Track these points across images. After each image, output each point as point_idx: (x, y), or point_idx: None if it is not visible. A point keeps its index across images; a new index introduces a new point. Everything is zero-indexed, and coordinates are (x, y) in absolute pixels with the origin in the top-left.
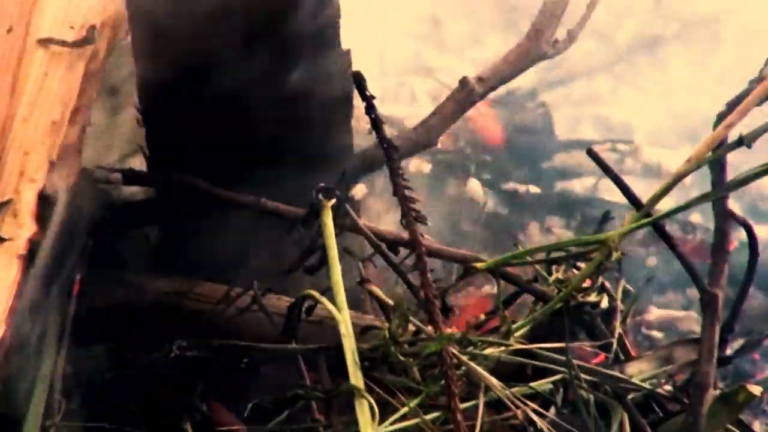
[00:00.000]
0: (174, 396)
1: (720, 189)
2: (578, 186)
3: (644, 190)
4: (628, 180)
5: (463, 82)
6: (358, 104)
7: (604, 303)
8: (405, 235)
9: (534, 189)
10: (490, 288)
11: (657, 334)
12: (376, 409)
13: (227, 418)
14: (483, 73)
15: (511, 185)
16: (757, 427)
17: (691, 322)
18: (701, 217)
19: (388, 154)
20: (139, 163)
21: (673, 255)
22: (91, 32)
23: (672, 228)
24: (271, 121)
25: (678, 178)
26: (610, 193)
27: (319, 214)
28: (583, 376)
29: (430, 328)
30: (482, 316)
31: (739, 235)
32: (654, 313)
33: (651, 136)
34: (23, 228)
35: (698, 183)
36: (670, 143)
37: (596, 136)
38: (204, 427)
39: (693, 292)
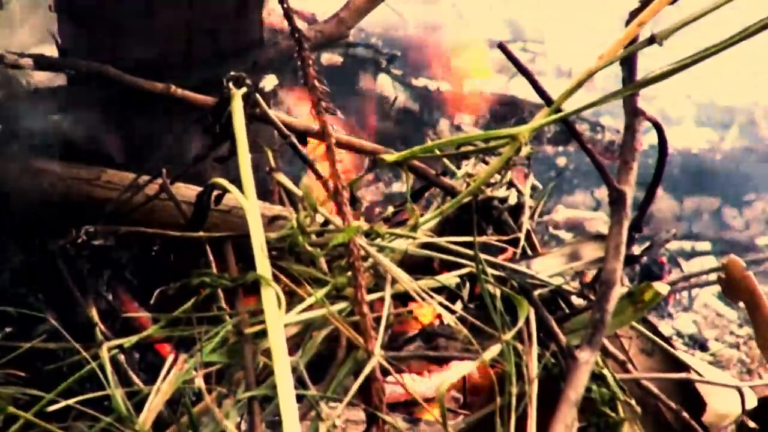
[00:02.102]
0: (80, 283)
1: (631, 86)
2: (488, 84)
3: (556, 91)
4: (539, 80)
5: None
6: None
7: (513, 198)
8: (315, 126)
9: (445, 86)
10: (399, 185)
11: (564, 234)
12: (283, 299)
13: (132, 306)
14: None
15: (421, 81)
16: (663, 329)
17: (599, 223)
18: (611, 120)
19: (299, 44)
20: (50, 50)
21: (582, 156)
22: None
23: (582, 128)
24: (182, 9)
25: (590, 74)
26: (520, 92)
27: (229, 103)
28: (490, 270)
29: (338, 219)
30: (390, 209)
31: (648, 139)
32: (562, 213)
33: (562, 41)
34: None
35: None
36: (581, 48)
37: (508, 38)
38: (109, 315)
39: (601, 193)
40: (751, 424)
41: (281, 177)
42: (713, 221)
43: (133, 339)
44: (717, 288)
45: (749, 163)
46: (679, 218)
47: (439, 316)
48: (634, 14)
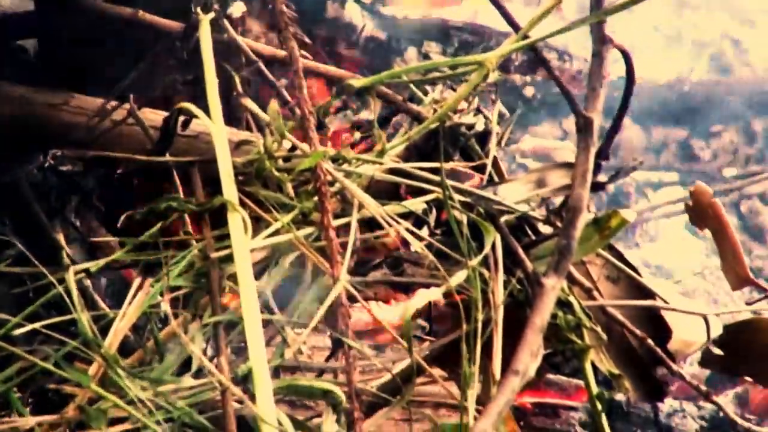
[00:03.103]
0: (47, 208)
1: (599, 12)
2: (456, 12)
3: (524, 21)
4: (508, 8)
5: None
6: None
7: (480, 125)
8: (282, 52)
9: (412, 14)
10: (367, 113)
11: (531, 163)
12: (249, 224)
13: (99, 232)
14: None
15: (389, 10)
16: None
17: (566, 152)
18: (579, 50)
19: None
20: None
21: (550, 86)
22: None
23: (549, 57)
24: None
25: (558, 0)
26: (489, 21)
27: (197, 28)
28: (456, 196)
29: (305, 145)
30: (358, 135)
31: (615, 70)
32: (529, 142)
33: None
34: None
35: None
36: None
37: None
38: (76, 241)
39: (568, 124)
40: (717, 352)
41: (248, 102)
42: (681, 152)
43: (100, 263)
44: (684, 218)
45: (717, 94)
46: (646, 149)
47: (405, 241)
48: None
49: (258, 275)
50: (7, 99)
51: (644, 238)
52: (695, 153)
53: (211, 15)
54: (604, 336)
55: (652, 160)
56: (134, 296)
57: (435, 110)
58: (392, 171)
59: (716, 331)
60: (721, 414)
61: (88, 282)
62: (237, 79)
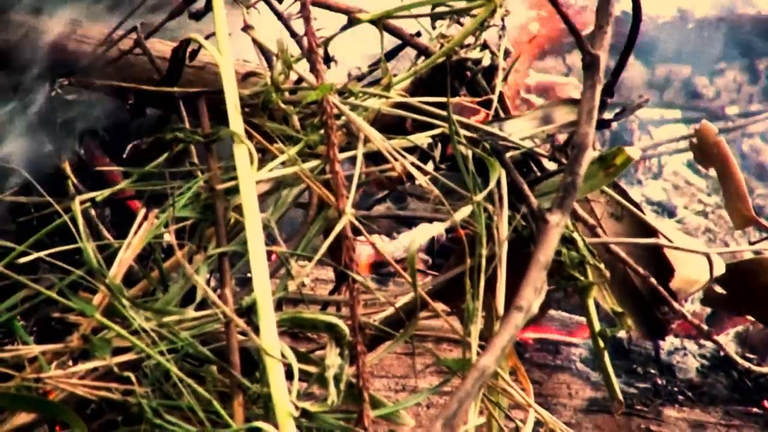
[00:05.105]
0: (52, 139)
1: None
2: None
3: None
4: None
5: None
6: None
7: (486, 60)
8: None
9: None
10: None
11: (536, 99)
12: (255, 155)
13: (104, 161)
14: None
15: None
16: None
17: (571, 88)
18: None
19: None
20: None
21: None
22: None
23: None
24: None
25: None
26: None
27: None
28: (462, 131)
29: (312, 77)
30: (365, 68)
31: (621, 6)
32: (533, 78)
33: None
34: None
35: None
36: None
37: None
38: (81, 170)
39: (573, 59)
40: (719, 291)
41: (256, 34)
42: (684, 89)
43: (106, 192)
44: (686, 156)
45: (721, 32)
46: (650, 86)
47: (410, 176)
48: None
49: (263, 207)
50: (13, 27)
51: (647, 174)
52: (698, 90)
53: None
54: (607, 273)
55: (655, 98)
56: (139, 226)
57: (442, 45)
58: (398, 105)
59: (719, 270)
60: (722, 353)
61: (93, 212)
62: (245, 11)
